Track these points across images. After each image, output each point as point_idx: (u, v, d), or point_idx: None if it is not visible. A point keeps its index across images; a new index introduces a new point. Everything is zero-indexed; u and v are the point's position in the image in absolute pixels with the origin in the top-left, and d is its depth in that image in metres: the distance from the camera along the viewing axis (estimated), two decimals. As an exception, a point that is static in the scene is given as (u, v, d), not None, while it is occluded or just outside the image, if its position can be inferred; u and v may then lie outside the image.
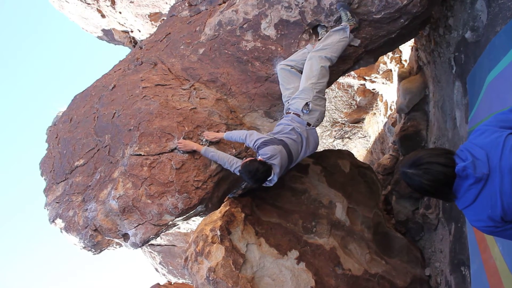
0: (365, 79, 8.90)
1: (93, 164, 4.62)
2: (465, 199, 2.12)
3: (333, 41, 3.93)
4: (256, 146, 3.86)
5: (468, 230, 4.05)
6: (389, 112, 8.83)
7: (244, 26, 4.41)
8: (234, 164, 3.99)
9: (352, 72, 8.67)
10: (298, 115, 3.98)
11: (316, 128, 4.14)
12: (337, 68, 4.24)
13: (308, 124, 4.01)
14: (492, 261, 3.38)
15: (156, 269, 7.22)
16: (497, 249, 3.30)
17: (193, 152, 4.20)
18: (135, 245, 4.27)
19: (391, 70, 8.39)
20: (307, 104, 3.94)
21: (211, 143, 4.28)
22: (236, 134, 4.08)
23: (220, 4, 4.97)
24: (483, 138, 2.17)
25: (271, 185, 3.98)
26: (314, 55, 3.94)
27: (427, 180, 2.13)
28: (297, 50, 4.22)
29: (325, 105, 4.16)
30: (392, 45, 4.65)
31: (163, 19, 7.40)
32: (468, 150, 2.14)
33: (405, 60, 7.57)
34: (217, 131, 4.31)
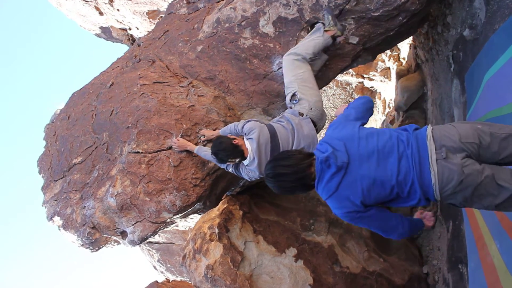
0: (363, 77, 8.90)
1: (91, 162, 4.61)
2: (329, 188, 2.33)
3: (305, 40, 4.02)
4: (242, 127, 3.85)
5: (466, 228, 4.06)
6: (387, 110, 8.83)
7: (242, 23, 4.40)
8: (221, 165, 3.95)
9: (350, 70, 8.67)
10: (290, 107, 3.99)
11: (310, 121, 3.89)
12: (335, 66, 4.24)
13: (301, 114, 3.88)
14: (489, 258, 3.39)
15: (154, 267, 7.22)
16: (495, 246, 3.31)
17: (189, 153, 4.21)
18: (133, 243, 4.28)
19: (389, 68, 8.39)
20: (294, 94, 3.93)
21: (209, 140, 4.28)
22: (228, 127, 4.07)
23: (218, 2, 4.96)
24: (338, 131, 2.47)
25: (253, 169, 3.76)
26: (286, 57, 4.03)
27: (273, 181, 2.42)
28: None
29: (316, 95, 3.97)
30: (390, 43, 4.65)
31: (161, 16, 7.38)
32: (327, 143, 2.41)
33: (403, 58, 7.57)
34: (215, 129, 4.31)
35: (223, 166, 3.96)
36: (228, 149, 3.63)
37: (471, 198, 2.17)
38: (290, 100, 3.97)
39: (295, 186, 2.40)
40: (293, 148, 3.78)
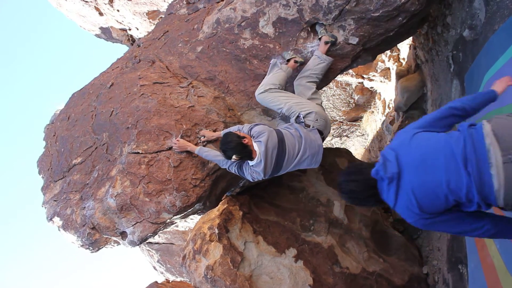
0: (363, 77, 8.91)
1: (91, 162, 4.61)
2: (390, 199, 2.25)
3: (266, 78, 4.26)
4: (250, 129, 3.89)
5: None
6: (387, 110, 8.83)
7: (242, 24, 4.40)
8: (227, 161, 3.94)
9: (350, 71, 8.67)
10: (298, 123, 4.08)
11: (317, 131, 4.01)
12: (335, 66, 4.24)
13: (307, 126, 3.99)
14: (489, 259, 3.39)
15: (154, 267, 7.22)
16: (495, 247, 3.30)
17: (189, 154, 4.21)
18: (132, 243, 4.28)
19: (389, 69, 8.39)
20: (298, 117, 4.05)
21: (209, 141, 4.28)
22: (232, 128, 4.08)
23: (218, 2, 4.96)
24: (395, 140, 2.34)
25: (258, 170, 3.80)
26: (257, 95, 4.22)
27: (348, 197, 2.38)
28: (295, 48, 4.22)
29: (315, 106, 4.11)
30: (390, 43, 4.65)
31: (161, 17, 7.38)
32: (383, 154, 2.31)
33: (403, 59, 7.57)
34: (215, 129, 4.31)
35: (225, 166, 3.96)
36: (237, 149, 3.64)
37: None
38: (297, 121, 4.07)
39: (370, 200, 2.37)
40: (299, 155, 3.88)
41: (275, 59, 4.27)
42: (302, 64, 4.29)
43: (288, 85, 4.35)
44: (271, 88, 4.13)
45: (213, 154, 4.03)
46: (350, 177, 2.36)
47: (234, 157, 3.69)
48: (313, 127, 3.99)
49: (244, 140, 3.68)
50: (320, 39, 4.13)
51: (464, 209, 2.11)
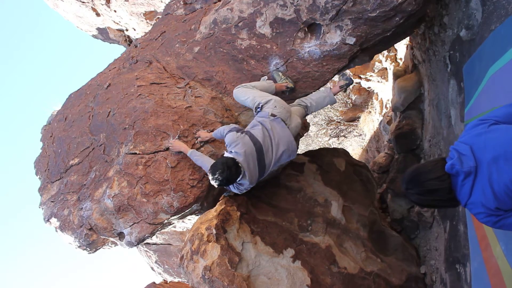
0: (360, 78, 8.92)
1: (88, 163, 4.61)
2: (463, 195, 2.12)
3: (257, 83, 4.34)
4: (224, 135, 3.91)
5: (469, 227, 4.00)
6: (384, 110, 8.84)
7: (239, 24, 4.40)
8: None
9: (347, 71, 8.67)
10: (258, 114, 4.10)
11: (281, 120, 3.98)
12: (332, 66, 4.24)
13: (272, 115, 3.97)
14: (494, 260, 3.33)
15: (152, 268, 7.21)
16: (499, 248, 3.23)
17: (186, 155, 4.21)
18: (130, 244, 4.27)
19: (386, 69, 8.40)
20: (258, 106, 4.08)
21: (206, 142, 4.28)
22: (218, 131, 4.09)
23: (215, 3, 4.96)
24: (466, 134, 2.21)
25: (244, 183, 3.77)
26: (237, 89, 4.28)
27: (429, 199, 2.18)
28: (292, 49, 4.22)
29: (276, 96, 4.15)
30: (387, 43, 4.65)
31: (158, 17, 7.38)
32: (455, 149, 2.18)
33: (400, 59, 7.58)
34: (212, 130, 4.31)
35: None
36: (233, 164, 3.59)
37: None
38: (256, 111, 4.11)
39: (449, 201, 2.21)
40: (274, 151, 3.86)
41: (265, 77, 4.39)
42: (292, 90, 4.39)
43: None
44: (246, 85, 4.22)
45: (202, 160, 3.99)
46: (428, 175, 2.17)
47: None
48: (273, 115, 3.96)
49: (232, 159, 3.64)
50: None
51: None
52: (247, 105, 4.26)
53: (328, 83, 4.52)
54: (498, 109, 2.27)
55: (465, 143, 2.15)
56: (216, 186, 3.66)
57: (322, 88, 4.49)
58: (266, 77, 4.40)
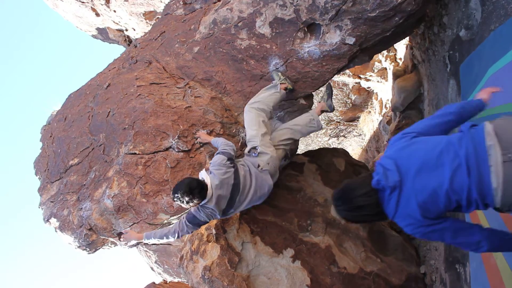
0: (360, 78, 8.91)
1: (88, 163, 4.60)
2: (390, 209, 2.20)
3: (265, 95, 4.29)
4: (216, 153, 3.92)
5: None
6: (384, 110, 8.84)
7: (239, 24, 4.40)
8: (177, 228, 3.81)
9: (347, 71, 8.67)
10: (250, 156, 4.12)
11: (268, 173, 4.08)
12: (332, 66, 4.25)
13: (258, 165, 4.03)
14: (492, 260, 3.33)
15: (152, 268, 7.20)
16: None
17: (186, 155, 4.20)
18: (130, 244, 4.27)
19: (386, 69, 8.40)
20: (254, 147, 4.09)
21: (204, 144, 4.29)
22: (217, 141, 4.08)
23: (215, 3, 4.96)
24: (391, 148, 2.31)
25: (210, 207, 3.67)
26: (251, 109, 4.24)
27: (358, 215, 2.27)
28: (292, 49, 4.22)
29: (275, 153, 4.18)
30: (387, 43, 4.65)
31: (158, 17, 7.38)
32: (380, 164, 2.26)
33: (400, 59, 7.58)
34: (211, 130, 4.31)
35: (180, 232, 3.82)
36: (197, 183, 3.55)
37: None
38: (249, 152, 4.13)
39: (376, 217, 2.28)
40: (250, 195, 3.90)
41: (278, 82, 4.34)
42: (292, 91, 4.40)
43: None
44: (264, 109, 4.23)
45: (160, 233, 3.89)
46: (356, 192, 2.23)
47: (193, 202, 3.57)
48: (263, 168, 4.04)
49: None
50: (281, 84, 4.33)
51: (464, 210, 2.11)
52: (246, 129, 4.28)
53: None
54: (420, 122, 2.38)
55: (390, 158, 2.23)
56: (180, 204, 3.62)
57: (311, 120, 4.54)
58: (277, 82, 4.35)
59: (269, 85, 4.36)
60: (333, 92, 4.67)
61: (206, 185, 3.60)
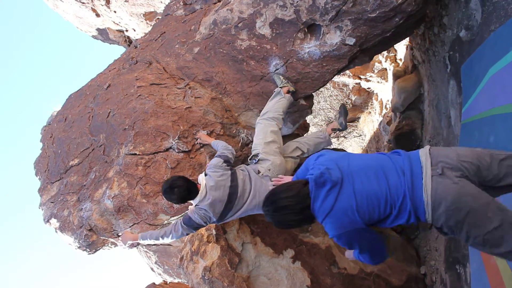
0: (360, 78, 8.91)
1: (88, 164, 4.60)
2: (325, 207, 2.26)
3: (271, 104, 4.27)
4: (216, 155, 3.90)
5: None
6: (384, 111, 8.84)
7: (239, 25, 4.40)
8: (173, 229, 3.75)
9: (347, 71, 8.68)
10: (251, 163, 4.07)
11: (269, 179, 3.91)
12: (332, 67, 4.25)
13: (259, 172, 3.93)
14: (493, 261, 3.32)
15: (152, 269, 7.20)
16: None
17: (186, 155, 4.20)
18: (130, 245, 4.27)
19: (386, 69, 8.40)
20: (256, 155, 4.03)
21: (204, 145, 4.28)
22: (217, 144, 4.07)
23: (215, 3, 4.96)
24: (326, 158, 2.43)
25: (203, 206, 3.60)
26: (261, 120, 4.23)
27: (281, 214, 2.33)
28: (292, 49, 4.22)
29: (280, 160, 4.07)
30: (387, 44, 4.65)
31: (158, 18, 7.38)
32: (317, 166, 2.37)
33: (400, 59, 7.58)
34: (212, 131, 4.31)
35: (177, 234, 3.76)
36: (187, 183, 3.56)
37: (461, 224, 2.06)
38: (250, 159, 4.09)
39: (301, 218, 2.33)
40: (249, 198, 3.78)
41: (279, 88, 4.33)
42: (294, 93, 4.38)
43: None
44: (274, 117, 4.20)
45: (157, 234, 3.84)
46: (280, 194, 2.32)
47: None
48: (263, 174, 3.93)
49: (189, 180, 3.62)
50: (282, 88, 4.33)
51: (390, 222, 2.26)
52: (253, 140, 4.25)
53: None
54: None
55: (329, 160, 2.38)
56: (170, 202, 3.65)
57: (318, 132, 4.57)
58: (279, 89, 4.33)
59: (272, 94, 4.34)
60: (346, 113, 4.61)
61: (194, 184, 3.59)
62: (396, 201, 2.17)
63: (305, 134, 4.58)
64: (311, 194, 2.29)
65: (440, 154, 2.19)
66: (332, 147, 11.17)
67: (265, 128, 4.14)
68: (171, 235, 3.73)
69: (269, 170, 3.94)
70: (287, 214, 2.30)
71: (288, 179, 3.33)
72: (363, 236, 2.29)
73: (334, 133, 4.58)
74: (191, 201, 3.67)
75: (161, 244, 5.43)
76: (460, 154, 2.17)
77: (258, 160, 3.99)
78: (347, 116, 4.54)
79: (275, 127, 4.17)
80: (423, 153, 2.23)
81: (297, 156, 4.40)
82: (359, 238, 2.29)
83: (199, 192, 3.60)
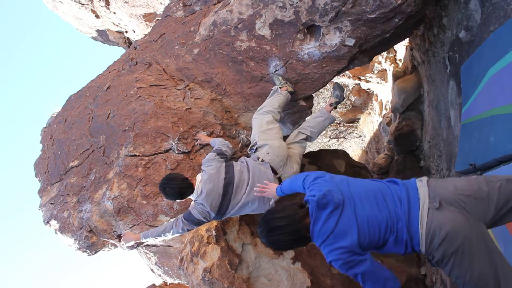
0: (360, 79, 8.92)
1: (88, 165, 4.60)
2: (326, 229, 2.22)
3: (268, 100, 4.29)
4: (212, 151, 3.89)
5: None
6: (384, 111, 8.84)
7: (239, 26, 4.40)
8: (174, 225, 3.73)
9: (347, 72, 8.68)
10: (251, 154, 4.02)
11: (269, 166, 3.79)
12: (332, 67, 4.25)
13: (258, 158, 3.84)
14: None
15: (152, 270, 7.19)
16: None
17: (186, 156, 4.20)
18: (130, 246, 4.27)
19: (386, 70, 8.40)
20: (254, 144, 3.98)
21: (204, 145, 4.28)
22: (215, 142, 4.08)
23: (214, 4, 4.96)
24: (327, 179, 2.42)
25: (200, 200, 3.58)
26: (257, 115, 4.21)
27: (276, 234, 2.28)
28: (292, 50, 4.23)
29: (279, 143, 3.94)
30: (386, 44, 4.65)
31: (158, 19, 7.38)
32: (317, 188, 2.35)
33: (400, 60, 7.58)
34: (211, 132, 4.31)
35: (178, 231, 3.74)
36: (181, 180, 3.55)
37: (449, 258, 2.05)
38: (249, 150, 4.05)
39: (293, 239, 2.27)
40: (247, 189, 3.64)
41: (276, 86, 4.33)
42: (292, 93, 4.38)
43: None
44: (269, 111, 4.17)
45: (158, 230, 3.82)
46: (275, 214, 2.29)
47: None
48: (263, 160, 3.82)
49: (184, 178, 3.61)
50: (281, 88, 4.34)
51: (389, 249, 2.24)
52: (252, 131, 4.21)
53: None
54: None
55: (330, 183, 2.37)
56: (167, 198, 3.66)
57: (317, 112, 4.51)
58: (277, 87, 4.35)
59: (270, 93, 4.34)
60: (340, 88, 4.51)
61: (188, 180, 3.59)
62: (396, 224, 2.17)
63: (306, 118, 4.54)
64: (312, 216, 2.25)
65: (438, 186, 2.19)
66: (331, 148, 11.19)
67: (260, 121, 4.11)
68: (172, 231, 3.71)
69: (268, 153, 3.83)
70: (280, 234, 2.25)
71: (273, 186, 3.27)
72: (362, 260, 2.22)
73: (334, 108, 4.49)
74: (191, 197, 3.67)
75: (161, 245, 5.42)
76: (458, 187, 2.15)
77: (257, 148, 3.93)
78: (343, 91, 4.46)
79: (270, 119, 4.12)
80: (421, 184, 2.23)
81: (301, 139, 4.31)
82: (358, 264, 2.21)
83: (195, 187, 3.60)
